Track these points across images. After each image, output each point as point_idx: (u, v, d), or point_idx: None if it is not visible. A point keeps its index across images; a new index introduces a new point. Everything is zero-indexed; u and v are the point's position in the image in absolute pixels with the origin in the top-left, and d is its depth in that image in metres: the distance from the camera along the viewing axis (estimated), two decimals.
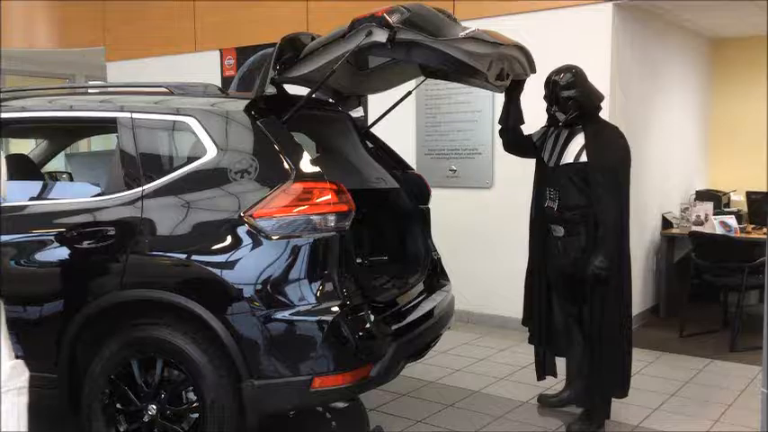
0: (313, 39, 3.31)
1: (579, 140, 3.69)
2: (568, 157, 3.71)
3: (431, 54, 3.08)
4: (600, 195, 3.59)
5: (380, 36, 2.97)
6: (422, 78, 3.93)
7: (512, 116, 3.90)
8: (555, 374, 4.03)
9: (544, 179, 3.84)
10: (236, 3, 7.11)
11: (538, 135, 3.93)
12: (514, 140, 3.97)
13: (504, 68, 3.49)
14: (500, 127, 3.98)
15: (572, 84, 3.69)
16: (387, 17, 2.95)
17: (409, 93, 4.10)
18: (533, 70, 3.69)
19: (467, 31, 3.12)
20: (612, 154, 3.68)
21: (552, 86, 3.72)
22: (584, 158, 3.65)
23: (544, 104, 3.80)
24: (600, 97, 3.81)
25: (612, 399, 3.77)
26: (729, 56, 7.23)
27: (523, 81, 3.80)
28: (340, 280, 2.98)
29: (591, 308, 3.67)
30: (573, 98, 3.68)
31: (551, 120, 3.80)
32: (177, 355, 2.97)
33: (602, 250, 3.56)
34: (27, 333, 3.22)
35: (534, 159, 3.93)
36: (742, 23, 6.36)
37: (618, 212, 3.62)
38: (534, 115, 3.92)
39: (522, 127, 3.95)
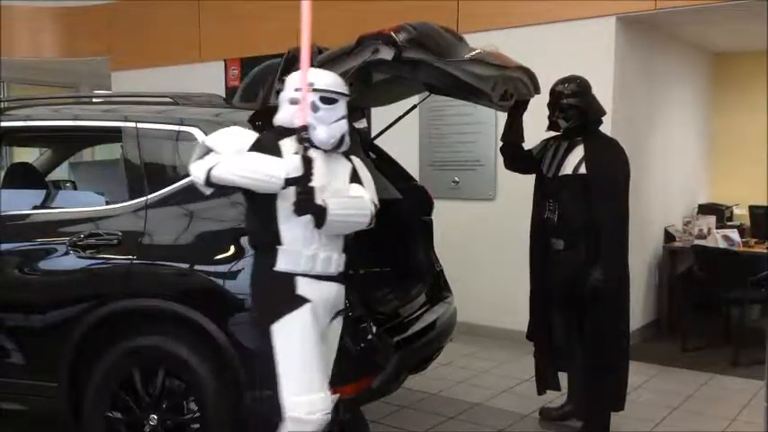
0: (320, 51, 3.32)
1: (579, 152, 3.71)
2: (567, 169, 3.73)
3: (436, 74, 3.10)
4: (599, 209, 3.61)
5: (387, 54, 2.97)
6: (426, 94, 3.95)
7: (513, 134, 3.93)
8: (558, 388, 4.00)
9: (544, 191, 3.86)
10: (240, 13, 7.14)
11: (538, 148, 3.95)
12: (516, 157, 3.99)
13: (509, 89, 3.51)
14: (501, 144, 4.01)
15: (576, 93, 3.72)
16: (394, 35, 2.96)
17: (414, 107, 4.11)
18: (537, 91, 3.72)
19: (472, 53, 3.14)
20: (612, 167, 3.70)
21: (557, 95, 3.76)
22: (582, 170, 3.68)
23: (546, 124, 3.82)
24: (601, 111, 3.83)
25: (612, 412, 3.75)
26: (731, 70, 7.23)
27: (527, 101, 3.83)
28: None
29: (590, 321, 3.67)
30: (575, 107, 3.71)
31: (553, 126, 3.82)
32: (179, 364, 2.97)
33: (602, 264, 3.57)
34: (29, 341, 3.24)
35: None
36: (743, 38, 6.38)
37: (617, 226, 3.64)
38: (538, 133, 3.93)
39: (523, 144, 3.96)
